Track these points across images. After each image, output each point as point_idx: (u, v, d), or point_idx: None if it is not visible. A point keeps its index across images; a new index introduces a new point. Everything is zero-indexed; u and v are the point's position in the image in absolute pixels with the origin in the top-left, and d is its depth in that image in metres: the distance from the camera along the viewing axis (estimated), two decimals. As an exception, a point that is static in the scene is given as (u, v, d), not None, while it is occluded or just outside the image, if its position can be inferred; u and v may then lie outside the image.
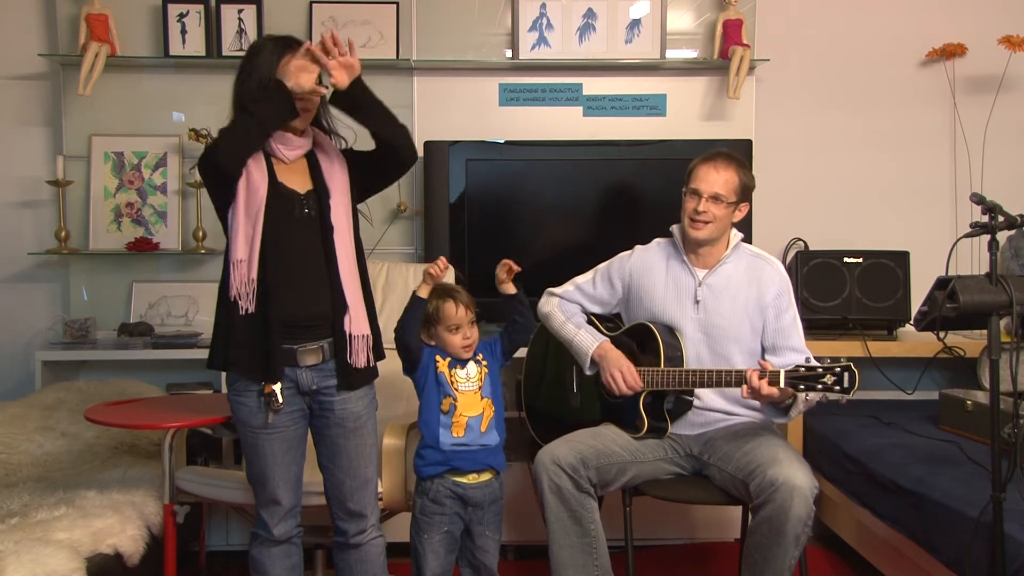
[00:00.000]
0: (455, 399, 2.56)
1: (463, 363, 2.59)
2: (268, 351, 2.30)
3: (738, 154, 2.79)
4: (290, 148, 2.37)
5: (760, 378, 2.43)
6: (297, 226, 2.35)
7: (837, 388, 2.37)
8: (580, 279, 2.91)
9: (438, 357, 2.59)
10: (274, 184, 2.33)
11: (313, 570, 2.93)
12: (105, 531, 2.54)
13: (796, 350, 2.65)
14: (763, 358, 2.67)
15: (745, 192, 2.69)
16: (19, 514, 2.57)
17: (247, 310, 2.28)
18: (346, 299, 2.36)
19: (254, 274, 2.28)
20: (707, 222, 2.65)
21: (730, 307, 2.69)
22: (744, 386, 2.46)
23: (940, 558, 2.54)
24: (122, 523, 2.61)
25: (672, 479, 2.75)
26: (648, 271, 2.79)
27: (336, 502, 2.46)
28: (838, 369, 2.37)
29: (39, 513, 2.57)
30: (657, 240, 2.85)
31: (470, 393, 2.58)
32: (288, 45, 2.34)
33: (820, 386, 2.39)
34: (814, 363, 2.42)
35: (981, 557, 2.28)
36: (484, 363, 2.63)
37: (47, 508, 2.61)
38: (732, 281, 2.71)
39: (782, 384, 2.42)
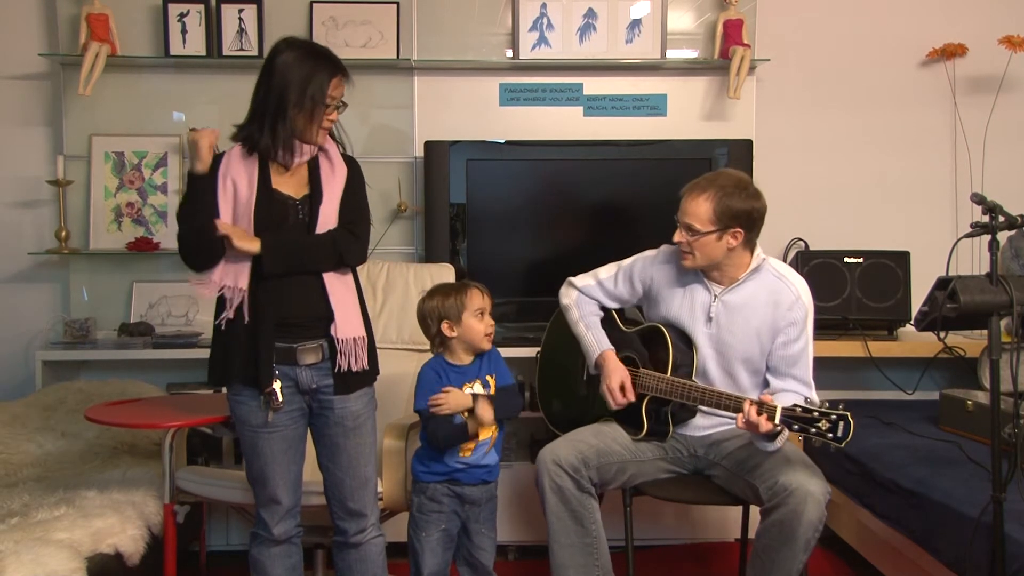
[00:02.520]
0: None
1: (469, 381, 2.57)
2: (256, 359, 2.31)
3: (733, 175, 2.60)
4: (297, 155, 2.37)
5: (758, 414, 2.37)
6: (290, 232, 2.35)
7: (830, 436, 2.29)
8: (603, 274, 2.87)
9: (447, 387, 2.56)
10: (267, 191, 2.33)
11: (313, 570, 2.93)
12: (105, 531, 2.54)
13: (799, 379, 2.61)
14: (766, 377, 2.66)
15: (728, 218, 2.53)
16: (19, 514, 2.57)
17: (244, 319, 2.30)
18: (331, 305, 2.36)
19: (243, 285, 2.30)
20: (687, 252, 2.61)
21: (743, 327, 2.63)
22: (740, 416, 2.42)
23: (940, 558, 2.54)
24: (122, 523, 2.61)
25: (672, 479, 2.75)
26: (669, 279, 2.74)
27: (336, 501, 2.46)
28: (834, 417, 2.29)
29: (39, 513, 2.57)
30: None
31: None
32: (313, 54, 2.33)
33: (813, 431, 2.30)
34: (812, 405, 2.34)
35: (981, 557, 2.28)
36: (493, 385, 2.61)
37: (47, 508, 2.61)
38: (749, 302, 2.63)
39: (776, 421, 2.36)
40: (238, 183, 2.32)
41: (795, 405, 2.35)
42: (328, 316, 2.36)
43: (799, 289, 2.63)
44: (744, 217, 2.54)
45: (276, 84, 2.28)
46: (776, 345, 2.61)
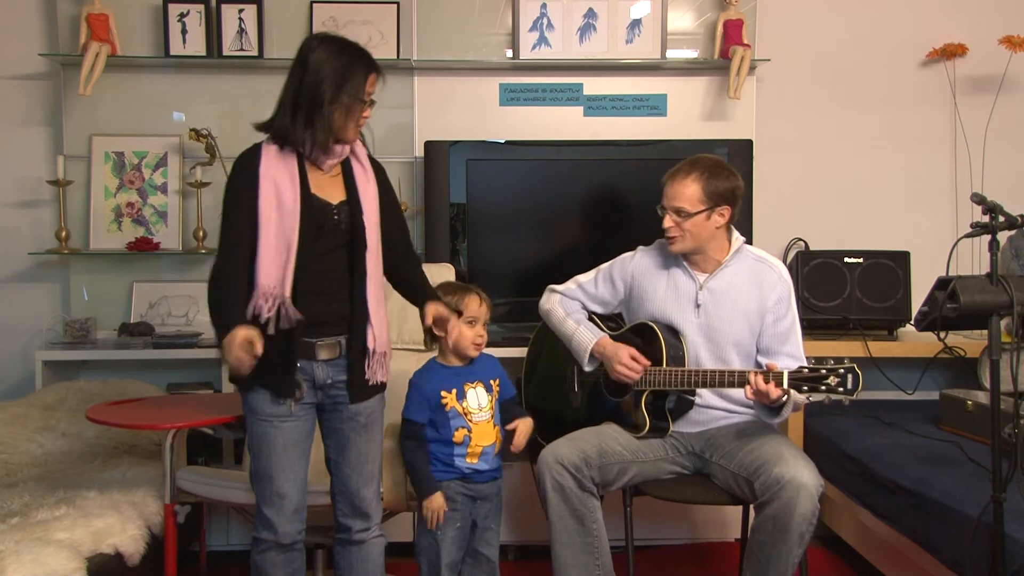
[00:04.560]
0: (470, 430, 2.56)
1: (471, 382, 2.59)
2: (287, 366, 2.31)
3: (712, 156, 2.72)
4: (331, 157, 2.35)
5: (766, 382, 2.43)
6: (326, 237, 2.34)
7: (841, 390, 2.36)
8: (582, 278, 2.91)
9: (444, 392, 2.57)
10: (307, 196, 2.31)
11: (314, 570, 2.93)
12: (105, 531, 2.53)
13: (792, 356, 2.65)
14: (757, 359, 2.68)
15: (716, 197, 2.62)
16: (20, 514, 2.57)
17: (282, 328, 2.27)
18: (370, 315, 2.37)
19: (288, 293, 2.27)
20: (676, 236, 2.66)
21: (730, 311, 2.68)
22: (747, 387, 2.46)
23: (940, 558, 2.54)
24: (123, 523, 2.61)
25: (673, 479, 2.75)
26: (650, 273, 2.79)
27: (342, 497, 2.46)
28: (841, 370, 2.37)
29: (40, 513, 2.57)
30: (660, 241, 2.84)
31: (484, 423, 2.58)
32: (350, 50, 2.34)
33: (824, 387, 2.38)
34: (816, 364, 2.42)
35: (981, 557, 2.28)
36: (496, 388, 2.63)
37: (48, 508, 2.61)
38: (733, 285, 2.70)
39: (785, 385, 2.42)
40: (281, 187, 2.28)
41: (800, 367, 2.45)
42: (348, 315, 2.37)
43: (779, 268, 2.74)
44: (729, 195, 2.66)
45: (311, 79, 2.27)
46: (766, 324, 2.68)
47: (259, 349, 2.20)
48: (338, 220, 2.35)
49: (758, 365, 2.68)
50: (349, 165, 2.40)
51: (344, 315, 2.37)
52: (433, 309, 2.46)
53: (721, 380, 2.56)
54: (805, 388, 2.41)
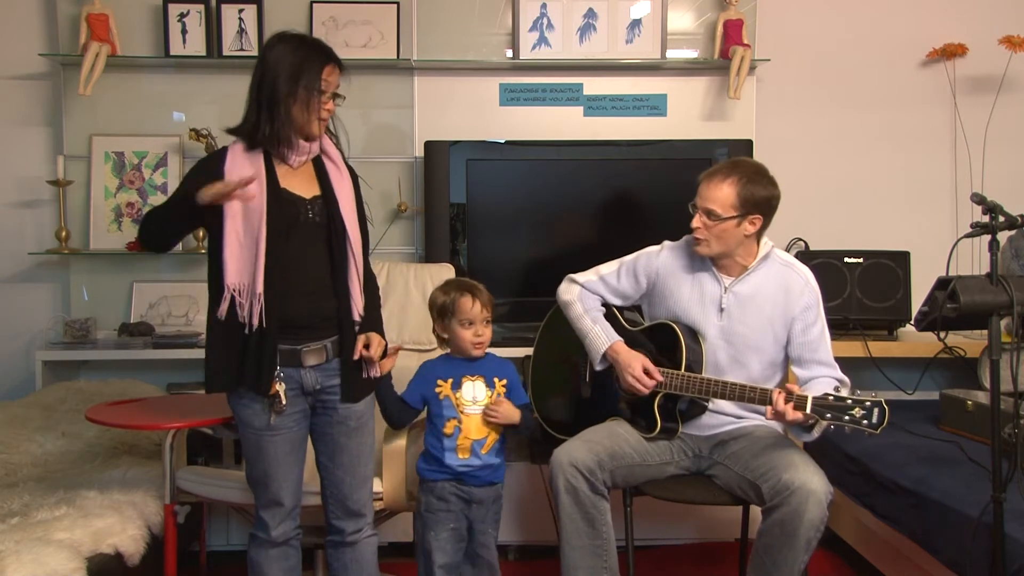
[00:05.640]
0: (460, 421, 2.56)
1: (471, 375, 2.59)
2: (260, 364, 2.29)
3: (752, 163, 2.64)
4: (299, 154, 2.35)
5: (786, 402, 2.40)
6: (300, 232, 2.33)
7: (865, 423, 2.33)
8: (604, 269, 2.85)
9: (440, 380, 2.58)
10: (275, 190, 2.30)
11: (314, 570, 2.93)
12: (105, 531, 2.54)
13: (824, 363, 2.62)
14: (792, 369, 2.66)
15: (750, 204, 2.53)
16: (20, 514, 2.57)
17: (253, 327, 2.26)
18: (355, 313, 2.37)
19: (260, 288, 2.25)
20: (702, 239, 2.59)
21: (755, 317, 2.64)
22: (769, 408, 2.44)
23: (940, 558, 2.54)
24: (123, 523, 2.61)
25: (672, 479, 2.74)
26: (675, 272, 2.73)
27: (335, 500, 2.46)
28: (868, 403, 2.33)
29: (40, 513, 2.57)
30: (687, 238, 2.77)
31: (476, 416, 2.57)
32: (304, 44, 2.33)
33: (847, 417, 2.34)
34: (844, 393, 2.38)
35: (981, 557, 2.29)
36: (500, 387, 2.61)
37: (48, 508, 2.61)
38: (760, 291, 2.64)
39: (808, 410, 2.38)
40: (251, 187, 2.26)
41: (826, 394, 2.39)
42: (340, 321, 2.36)
43: (807, 274, 2.67)
44: (764, 204, 2.57)
45: (269, 76, 2.28)
46: (795, 333, 2.63)
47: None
48: (312, 214, 2.34)
49: (783, 373, 2.67)
50: (321, 162, 2.40)
51: (330, 316, 2.36)
52: (363, 341, 2.38)
53: (742, 394, 2.52)
54: (828, 415, 2.37)
